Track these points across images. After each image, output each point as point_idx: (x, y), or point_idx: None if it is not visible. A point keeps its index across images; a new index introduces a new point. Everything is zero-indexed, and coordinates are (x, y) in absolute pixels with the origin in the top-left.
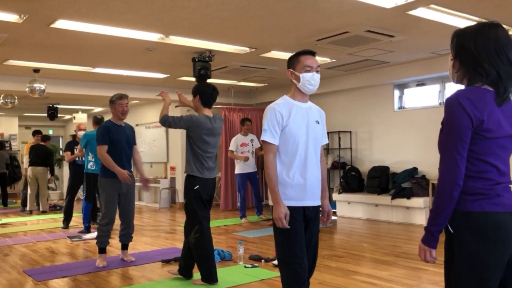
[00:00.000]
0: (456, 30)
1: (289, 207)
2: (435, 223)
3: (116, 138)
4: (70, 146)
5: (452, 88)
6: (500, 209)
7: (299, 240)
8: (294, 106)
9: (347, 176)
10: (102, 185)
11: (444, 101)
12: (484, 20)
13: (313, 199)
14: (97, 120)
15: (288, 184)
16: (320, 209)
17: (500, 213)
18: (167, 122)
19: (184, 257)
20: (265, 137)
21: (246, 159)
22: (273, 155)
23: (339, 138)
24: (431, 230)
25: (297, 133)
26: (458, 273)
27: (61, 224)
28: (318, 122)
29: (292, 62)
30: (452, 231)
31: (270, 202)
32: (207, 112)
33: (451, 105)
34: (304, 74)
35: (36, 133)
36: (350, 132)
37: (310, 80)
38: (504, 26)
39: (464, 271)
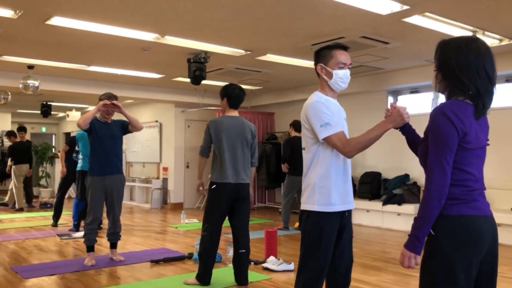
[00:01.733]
0: (440, 41)
1: (331, 213)
2: (423, 229)
3: (100, 135)
4: (72, 142)
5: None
6: (477, 213)
7: (329, 250)
8: (330, 103)
9: None
10: (88, 183)
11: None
12: (478, 30)
13: (350, 202)
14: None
15: (331, 187)
16: None
17: (477, 216)
18: (201, 151)
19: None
20: (330, 129)
21: None
22: (346, 140)
23: None
24: (418, 236)
25: None
26: (434, 274)
27: (50, 222)
28: (345, 119)
29: (323, 56)
30: (433, 233)
31: (312, 208)
32: (232, 113)
33: (439, 117)
34: (337, 71)
35: (21, 129)
36: None
37: (343, 78)
38: (499, 36)
39: (440, 272)
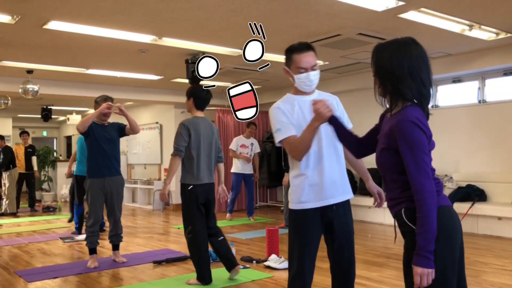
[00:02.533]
0: (375, 45)
1: (305, 210)
2: (432, 242)
3: (98, 137)
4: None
5: (442, 90)
6: (448, 203)
7: (308, 244)
8: (295, 101)
9: None
10: (87, 186)
11: (434, 105)
12: (474, 24)
13: (335, 196)
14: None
15: (301, 186)
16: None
17: (450, 207)
18: (177, 151)
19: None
20: (280, 135)
21: (248, 160)
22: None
23: None
24: (430, 249)
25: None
26: None
27: (53, 226)
28: None
29: (286, 59)
30: (414, 227)
31: (290, 206)
32: (200, 114)
33: (408, 126)
34: (298, 75)
35: (24, 133)
36: None
37: (305, 81)
38: (494, 29)
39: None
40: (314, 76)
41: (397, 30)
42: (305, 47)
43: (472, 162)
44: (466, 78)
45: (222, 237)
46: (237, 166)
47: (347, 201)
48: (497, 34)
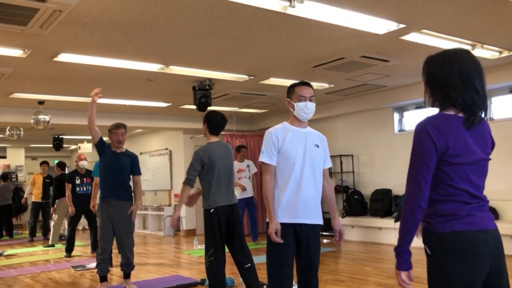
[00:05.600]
0: (427, 57)
1: (281, 224)
2: (400, 244)
3: (110, 159)
4: (71, 178)
5: None
6: (471, 228)
7: (286, 254)
8: (291, 130)
9: (350, 200)
10: (98, 212)
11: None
12: (476, 44)
13: (306, 217)
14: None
15: (280, 202)
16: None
17: (471, 232)
18: (187, 180)
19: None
20: (262, 158)
21: (244, 189)
22: (270, 175)
23: (341, 162)
24: (397, 251)
25: (292, 154)
26: None
27: (64, 254)
28: (317, 146)
29: (289, 93)
30: (429, 252)
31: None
32: (214, 139)
33: (418, 131)
34: (298, 103)
35: (44, 163)
36: (352, 155)
37: (303, 109)
38: (497, 48)
39: None
40: (311, 106)
41: (400, 51)
42: (306, 83)
43: None
44: None
45: (249, 265)
46: (238, 192)
47: (318, 226)
48: (500, 52)
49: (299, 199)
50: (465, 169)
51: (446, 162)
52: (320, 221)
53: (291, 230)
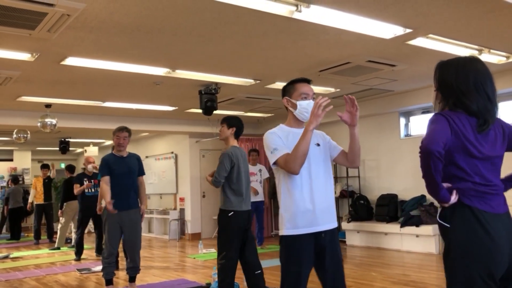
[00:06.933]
0: (439, 62)
1: (299, 236)
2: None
3: (116, 169)
4: (79, 179)
5: None
6: (478, 206)
7: (302, 273)
8: (290, 133)
9: (356, 205)
10: (105, 216)
11: None
12: (483, 49)
13: (325, 224)
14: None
15: (297, 212)
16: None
17: (479, 209)
18: (217, 182)
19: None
20: (277, 153)
21: (256, 192)
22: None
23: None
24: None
25: None
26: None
27: (72, 257)
28: (318, 145)
29: (287, 90)
30: (448, 225)
31: (280, 233)
32: (235, 143)
33: (434, 116)
34: (301, 101)
35: (44, 167)
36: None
37: (307, 108)
38: (504, 53)
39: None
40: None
41: (407, 56)
42: (306, 80)
43: None
44: None
45: (259, 271)
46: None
47: (335, 229)
48: (507, 57)
49: (315, 206)
50: (476, 163)
51: (467, 154)
52: (335, 224)
53: (312, 241)
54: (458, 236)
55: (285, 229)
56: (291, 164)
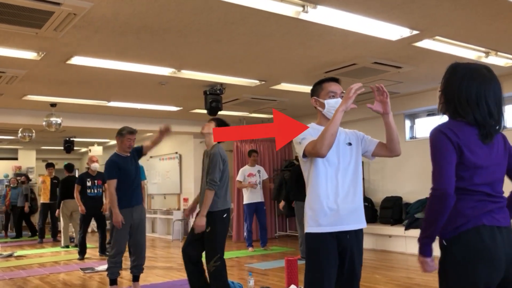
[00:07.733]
0: (452, 63)
1: (321, 234)
2: (426, 235)
3: (125, 168)
4: (82, 179)
5: None
6: (485, 223)
7: (324, 271)
8: (320, 131)
9: None
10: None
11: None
12: (490, 51)
13: (350, 224)
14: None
15: (320, 210)
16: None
17: (483, 227)
18: (214, 186)
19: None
20: (304, 142)
21: (254, 186)
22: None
23: None
24: (422, 242)
25: (327, 159)
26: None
27: (75, 256)
28: (350, 144)
29: (315, 90)
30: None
31: (305, 230)
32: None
33: (434, 135)
34: (328, 100)
35: (50, 166)
36: (363, 162)
37: (334, 106)
38: (509, 56)
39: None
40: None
41: (413, 58)
42: (334, 79)
43: None
44: None
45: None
46: (248, 197)
47: (361, 231)
48: None
49: (339, 207)
50: (483, 173)
51: (464, 166)
52: (364, 224)
53: (334, 241)
54: (457, 257)
55: (308, 227)
56: (318, 144)
